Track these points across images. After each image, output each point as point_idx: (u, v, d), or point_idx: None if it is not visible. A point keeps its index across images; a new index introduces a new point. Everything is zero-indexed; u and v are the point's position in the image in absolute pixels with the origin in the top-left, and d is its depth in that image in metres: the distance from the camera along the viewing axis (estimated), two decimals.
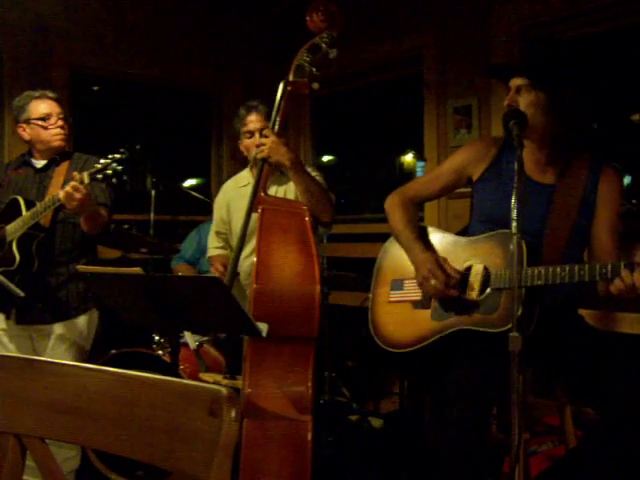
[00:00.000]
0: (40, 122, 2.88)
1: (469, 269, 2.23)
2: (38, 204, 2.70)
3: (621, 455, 1.96)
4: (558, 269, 1.96)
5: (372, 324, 2.45)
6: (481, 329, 2.11)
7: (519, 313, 1.84)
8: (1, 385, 1.06)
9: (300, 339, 2.15)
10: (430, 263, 2.23)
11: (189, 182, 5.53)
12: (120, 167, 2.54)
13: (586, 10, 3.46)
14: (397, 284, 2.42)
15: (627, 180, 3.69)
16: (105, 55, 4.48)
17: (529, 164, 2.24)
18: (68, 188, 2.52)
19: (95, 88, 4.95)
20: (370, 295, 2.50)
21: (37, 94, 2.93)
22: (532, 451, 2.87)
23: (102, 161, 2.56)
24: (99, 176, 2.54)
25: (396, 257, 2.43)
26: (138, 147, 2.64)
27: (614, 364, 2.05)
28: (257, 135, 2.94)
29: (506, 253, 2.13)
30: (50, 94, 2.94)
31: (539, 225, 2.17)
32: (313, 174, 2.71)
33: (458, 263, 2.26)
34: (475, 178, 2.39)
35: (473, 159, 2.39)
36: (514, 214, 1.84)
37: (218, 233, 3.17)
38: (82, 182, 2.53)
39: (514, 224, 1.84)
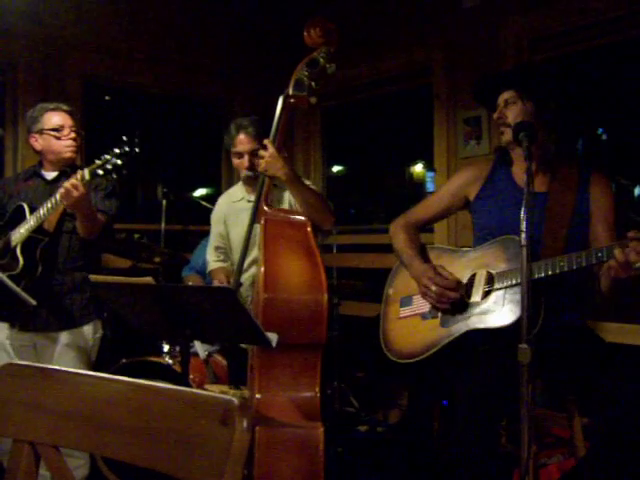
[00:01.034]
0: (53, 133, 2.90)
1: (474, 276, 2.29)
2: (41, 208, 2.72)
3: (628, 466, 1.95)
4: (557, 259, 2.02)
5: (384, 341, 2.52)
6: (489, 326, 2.16)
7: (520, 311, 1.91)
8: (16, 393, 1.08)
9: (308, 346, 2.17)
10: (428, 272, 2.33)
11: (199, 192, 5.56)
12: (120, 161, 2.54)
13: (598, 22, 3.46)
14: (406, 300, 2.50)
15: (638, 191, 3.68)
16: (117, 65, 4.52)
17: (520, 174, 2.32)
18: (67, 184, 2.54)
19: (107, 98, 4.99)
20: (381, 315, 2.59)
21: (51, 106, 2.95)
22: (542, 463, 2.86)
23: (103, 157, 2.57)
24: (100, 172, 2.55)
25: (405, 277, 2.51)
26: (137, 140, 2.61)
27: (622, 376, 2.05)
28: (246, 157, 2.97)
29: (507, 256, 2.21)
30: (64, 107, 2.97)
31: (535, 233, 2.18)
32: (306, 183, 2.72)
33: (464, 273, 2.33)
34: (472, 198, 2.48)
35: (469, 181, 2.50)
36: (523, 226, 1.87)
37: (217, 248, 3.20)
38: (83, 179, 2.54)
39: (523, 235, 1.86)
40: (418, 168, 4.98)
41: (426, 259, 2.47)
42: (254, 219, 2.43)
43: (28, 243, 2.75)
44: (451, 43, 4.04)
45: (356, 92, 4.79)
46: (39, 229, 2.75)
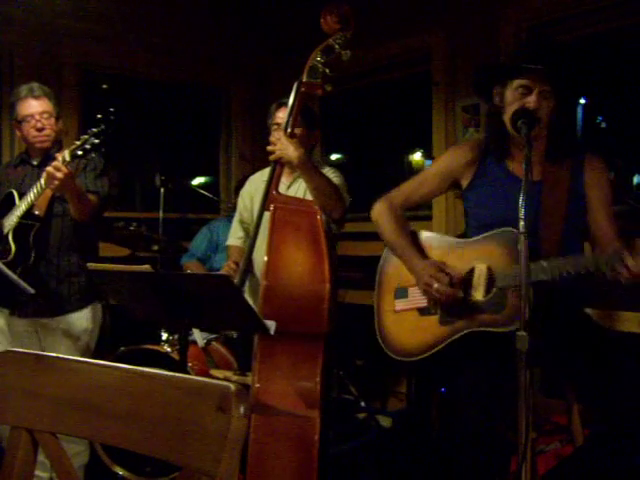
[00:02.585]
0: (22, 124, 2.87)
1: (472, 271, 2.21)
2: (28, 193, 2.71)
3: (626, 454, 1.96)
4: (562, 261, 1.97)
5: (380, 334, 2.43)
6: (491, 329, 2.11)
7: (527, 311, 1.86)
8: (14, 380, 1.08)
9: (309, 336, 2.16)
10: (430, 269, 2.21)
11: (198, 180, 5.55)
12: (97, 140, 2.54)
13: (596, 8, 3.45)
14: (401, 292, 2.39)
15: (637, 179, 3.68)
16: (115, 53, 4.50)
17: (517, 164, 2.26)
18: (49, 168, 2.53)
19: (104, 86, 4.97)
20: (374, 305, 2.49)
21: (23, 93, 2.86)
22: (540, 450, 2.87)
23: (81, 137, 2.57)
24: (79, 152, 2.54)
25: (397, 264, 2.40)
26: (112, 117, 2.61)
27: (620, 363, 2.05)
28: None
29: (508, 251, 2.12)
30: (36, 92, 2.86)
31: (532, 222, 2.13)
32: (330, 174, 2.75)
33: (460, 265, 2.24)
34: (465, 185, 2.39)
35: (460, 164, 2.38)
36: (521, 213, 1.84)
37: (241, 222, 3.20)
38: (64, 160, 2.53)
39: (522, 223, 1.84)
40: (417, 156, 4.97)
41: (419, 248, 2.36)
42: (264, 206, 2.43)
43: (20, 229, 2.74)
44: (450, 30, 4.02)
45: (355, 79, 4.77)
46: (30, 215, 2.73)
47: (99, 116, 2.60)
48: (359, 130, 5.20)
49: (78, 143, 2.56)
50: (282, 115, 2.99)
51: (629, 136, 3.69)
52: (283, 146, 2.51)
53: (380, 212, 2.45)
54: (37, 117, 2.85)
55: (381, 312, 2.46)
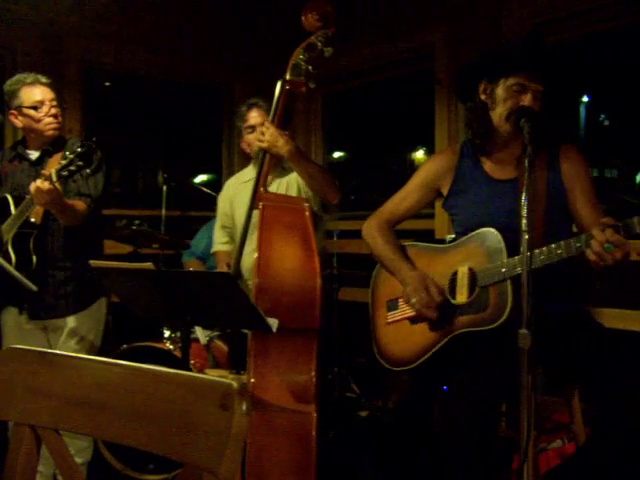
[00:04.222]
0: (32, 111, 2.78)
1: (455, 274, 2.24)
2: (22, 203, 2.67)
3: (628, 453, 1.96)
4: (536, 251, 1.97)
5: (376, 347, 2.48)
6: (477, 329, 2.13)
7: (510, 306, 1.99)
8: (17, 377, 1.08)
9: (302, 331, 2.18)
10: (416, 282, 2.24)
11: (200, 178, 5.56)
12: (81, 162, 2.49)
13: (600, 6, 3.44)
14: (392, 304, 2.43)
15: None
16: (117, 51, 4.50)
17: (489, 164, 2.30)
18: (39, 183, 2.49)
19: (107, 84, 4.97)
20: (370, 320, 2.53)
21: (29, 80, 2.79)
22: (541, 448, 2.87)
23: (67, 155, 2.52)
24: (64, 173, 2.49)
25: (388, 278, 2.43)
26: (94, 139, 2.59)
27: (621, 361, 2.05)
28: (258, 129, 2.96)
29: (485, 249, 2.16)
30: (43, 79, 2.82)
31: (512, 221, 2.10)
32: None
33: (445, 270, 2.27)
34: (445, 193, 2.40)
35: (439, 173, 2.41)
36: (524, 212, 1.85)
37: (223, 227, 3.20)
38: (50, 179, 2.48)
39: (524, 221, 1.84)
40: (419, 154, 4.97)
41: (407, 259, 2.38)
42: (252, 205, 2.44)
43: (19, 238, 2.71)
44: (453, 28, 4.02)
45: (357, 77, 4.77)
46: (26, 223, 2.70)
47: (82, 141, 2.57)
48: (361, 128, 5.20)
49: (64, 162, 2.50)
50: (254, 115, 3.00)
51: (632, 134, 3.69)
52: (272, 138, 2.50)
53: (368, 230, 2.51)
54: (48, 103, 2.81)
55: (375, 326, 2.50)
